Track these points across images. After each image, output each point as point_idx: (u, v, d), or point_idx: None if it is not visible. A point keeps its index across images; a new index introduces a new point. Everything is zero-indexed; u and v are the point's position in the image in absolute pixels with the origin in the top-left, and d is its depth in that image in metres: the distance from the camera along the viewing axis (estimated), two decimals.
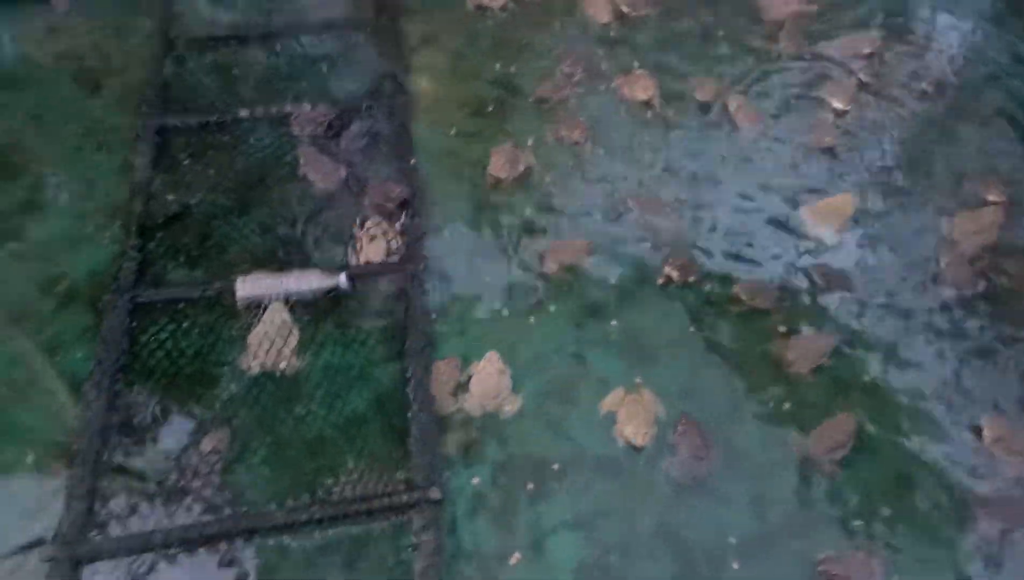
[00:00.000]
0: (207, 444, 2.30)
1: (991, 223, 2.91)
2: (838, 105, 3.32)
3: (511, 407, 2.48)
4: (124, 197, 2.90)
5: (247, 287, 2.61)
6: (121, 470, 2.27)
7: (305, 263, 2.73)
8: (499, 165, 3.05)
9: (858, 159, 3.17)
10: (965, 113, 3.33)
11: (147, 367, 2.49)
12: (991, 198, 3.01)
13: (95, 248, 2.76)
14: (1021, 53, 3.54)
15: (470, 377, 2.51)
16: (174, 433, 2.35)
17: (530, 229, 2.91)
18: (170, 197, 2.92)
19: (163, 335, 2.56)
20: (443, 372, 2.50)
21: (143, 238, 2.78)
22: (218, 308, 2.63)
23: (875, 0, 3.79)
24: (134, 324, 2.57)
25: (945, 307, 2.75)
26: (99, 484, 2.24)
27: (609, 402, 2.49)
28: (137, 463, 2.29)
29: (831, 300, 2.76)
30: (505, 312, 2.69)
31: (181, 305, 2.63)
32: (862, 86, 3.39)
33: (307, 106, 3.18)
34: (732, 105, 3.29)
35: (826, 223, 2.94)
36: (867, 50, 3.52)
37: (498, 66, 3.44)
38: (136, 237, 2.77)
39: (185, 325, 2.59)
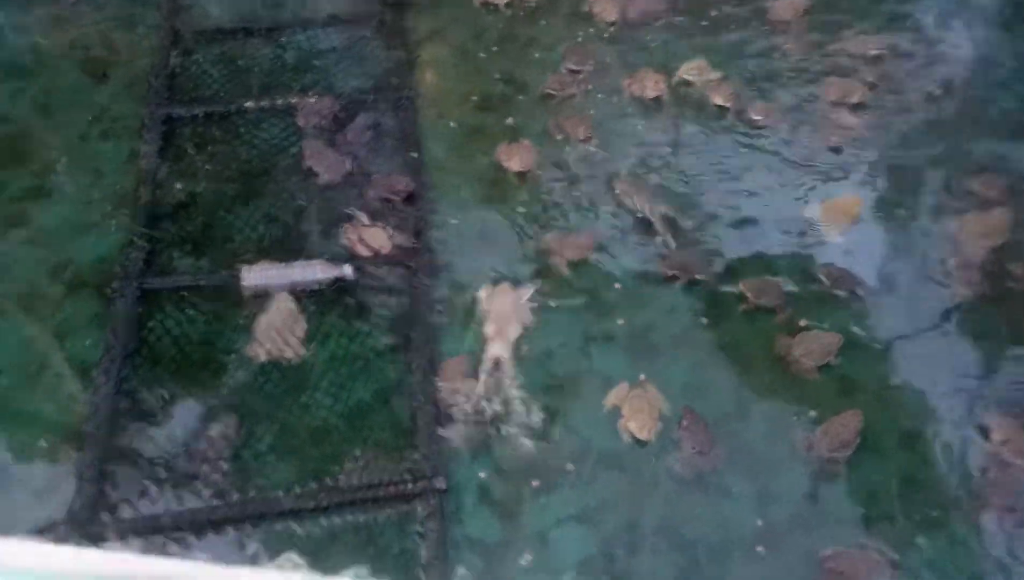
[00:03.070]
0: (215, 430, 2.30)
1: (999, 225, 2.90)
2: (845, 105, 3.32)
3: (516, 334, 2.52)
4: (131, 185, 2.90)
5: (253, 276, 2.61)
6: (131, 454, 2.28)
7: (311, 254, 2.73)
8: (505, 159, 3.05)
9: (865, 159, 3.17)
10: (973, 116, 3.34)
11: (155, 354, 2.49)
12: (999, 201, 3.01)
13: (102, 235, 2.77)
14: None
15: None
16: (182, 419, 2.35)
17: (535, 224, 2.91)
18: (177, 186, 2.92)
19: (170, 322, 2.57)
20: (451, 368, 2.49)
21: (150, 226, 2.78)
22: (224, 297, 2.63)
23: (883, 3, 3.80)
24: (141, 311, 2.57)
25: (953, 308, 2.74)
26: (109, 468, 2.24)
27: (614, 397, 2.48)
28: (147, 448, 2.29)
29: (838, 299, 2.75)
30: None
31: (187, 293, 2.63)
32: (870, 87, 3.39)
33: (312, 98, 3.18)
34: (740, 103, 3.29)
35: (833, 222, 2.94)
36: (874, 52, 3.53)
37: (504, 62, 3.45)
38: (143, 225, 2.77)
39: (192, 313, 2.59)
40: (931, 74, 3.49)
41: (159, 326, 2.56)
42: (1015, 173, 3.13)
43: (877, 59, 3.52)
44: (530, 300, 2.65)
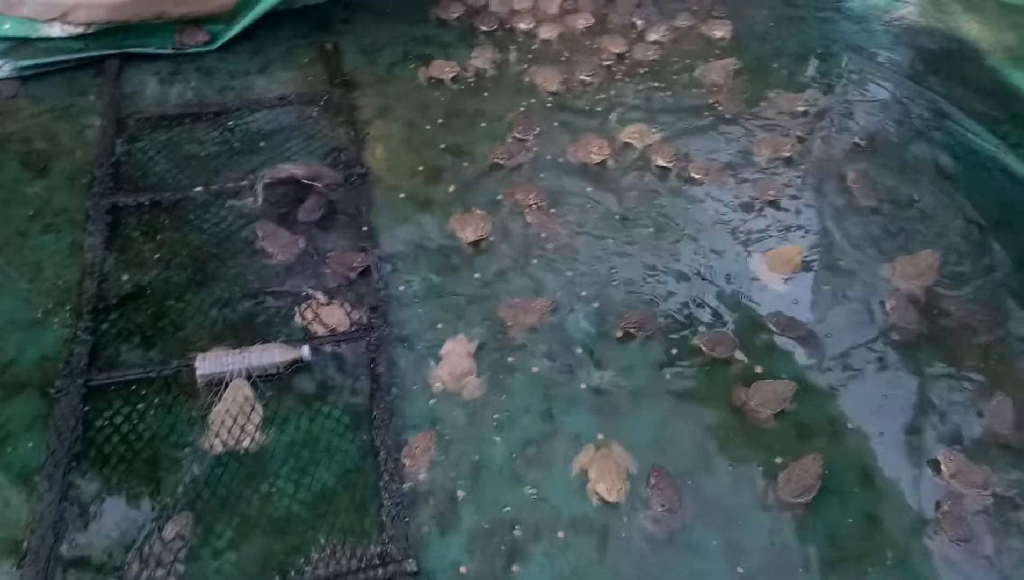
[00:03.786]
0: (169, 530, 2.20)
1: (929, 266, 3.05)
2: (779, 159, 3.49)
3: (475, 392, 2.62)
4: (75, 279, 2.84)
5: (207, 364, 2.55)
6: (78, 564, 2.15)
7: (267, 336, 2.70)
8: (458, 229, 3.10)
9: (801, 209, 3.32)
10: (896, 164, 3.54)
11: (102, 454, 2.39)
12: (927, 241, 3.18)
13: (45, 333, 2.68)
14: (942, 108, 3.79)
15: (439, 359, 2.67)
16: (134, 521, 2.24)
17: (491, 291, 2.94)
18: (123, 277, 2.86)
19: (118, 419, 2.47)
20: (417, 445, 2.47)
21: (95, 320, 2.71)
22: (176, 388, 2.56)
23: (804, 63, 4.04)
24: (87, 409, 2.48)
25: (895, 348, 2.85)
26: None
27: (581, 460, 2.49)
28: (95, 555, 2.17)
29: (788, 346, 2.84)
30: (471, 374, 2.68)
31: (137, 387, 2.55)
32: (800, 141, 3.58)
33: (262, 180, 3.19)
34: (681, 163, 3.43)
35: (777, 272, 3.05)
36: (801, 108, 3.74)
37: (452, 135, 3.53)
38: (88, 319, 2.70)
39: (142, 407, 2.50)
40: (854, 126, 3.70)
41: (107, 424, 2.46)
42: (940, 214, 3.32)
43: (804, 114, 3.73)
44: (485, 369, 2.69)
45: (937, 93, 3.87)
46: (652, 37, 4.12)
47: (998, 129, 3.66)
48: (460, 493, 2.39)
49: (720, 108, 3.73)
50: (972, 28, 4.16)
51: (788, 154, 3.51)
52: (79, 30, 3.59)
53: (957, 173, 3.51)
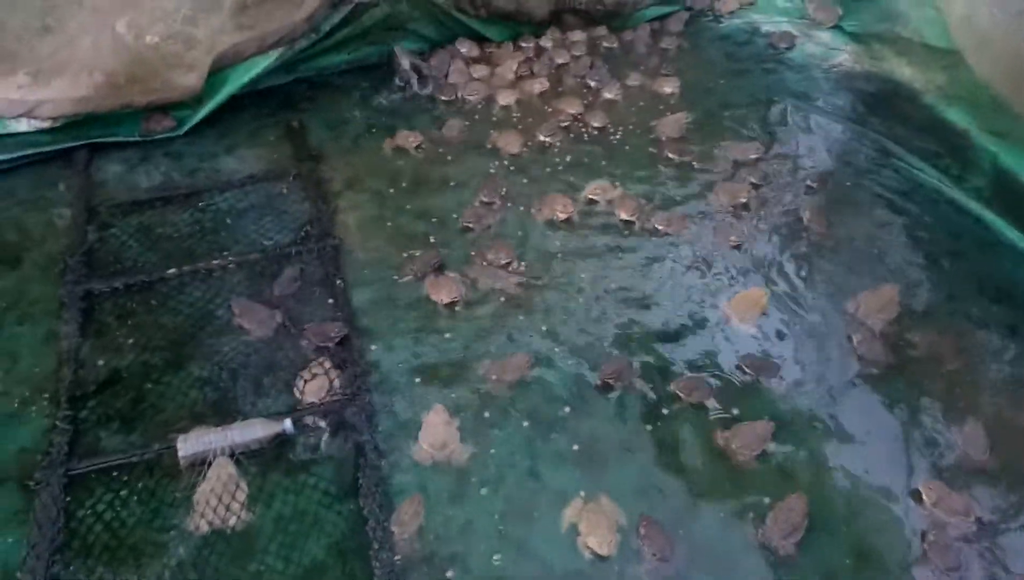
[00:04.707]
0: None
1: (890, 299, 3.17)
2: (736, 205, 3.63)
3: (460, 456, 2.62)
4: (51, 368, 2.82)
5: (189, 445, 2.54)
6: None
7: (248, 413, 2.70)
8: (433, 293, 3.15)
9: (763, 252, 3.44)
10: (848, 203, 3.70)
11: (86, 543, 2.35)
12: (885, 275, 3.31)
13: (22, 424, 2.65)
14: (886, 147, 4.00)
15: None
16: None
17: (470, 351, 2.98)
18: (100, 362, 2.86)
19: (101, 507, 2.44)
20: (406, 511, 2.46)
21: (74, 408, 2.69)
22: (158, 471, 2.54)
23: (753, 111, 4.24)
24: (69, 499, 2.45)
25: (865, 381, 2.94)
26: None
27: (569, 514, 2.50)
28: None
29: (762, 388, 2.91)
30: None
31: (119, 473, 2.52)
32: (754, 187, 3.73)
33: (235, 258, 3.24)
34: (644, 216, 3.55)
35: (745, 315, 3.14)
36: (754, 156, 3.91)
37: (421, 201, 3.62)
38: (66, 407, 2.68)
39: (124, 493, 2.47)
40: (804, 169, 3.88)
41: (89, 513, 2.42)
42: (894, 248, 3.46)
43: (756, 161, 3.89)
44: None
45: (880, 133, 4.08)
46: (606, 96, 4.30)
47: (939, 163, 3.86)
48: (452, 557, 2.38)
49: (676, 160, 3.89)
50: (905, 71, 4.42)
51: (745, 200, 3.65)
52: (46, 124, 3.64)
53: (906, 208, 3.68)
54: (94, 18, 3.55)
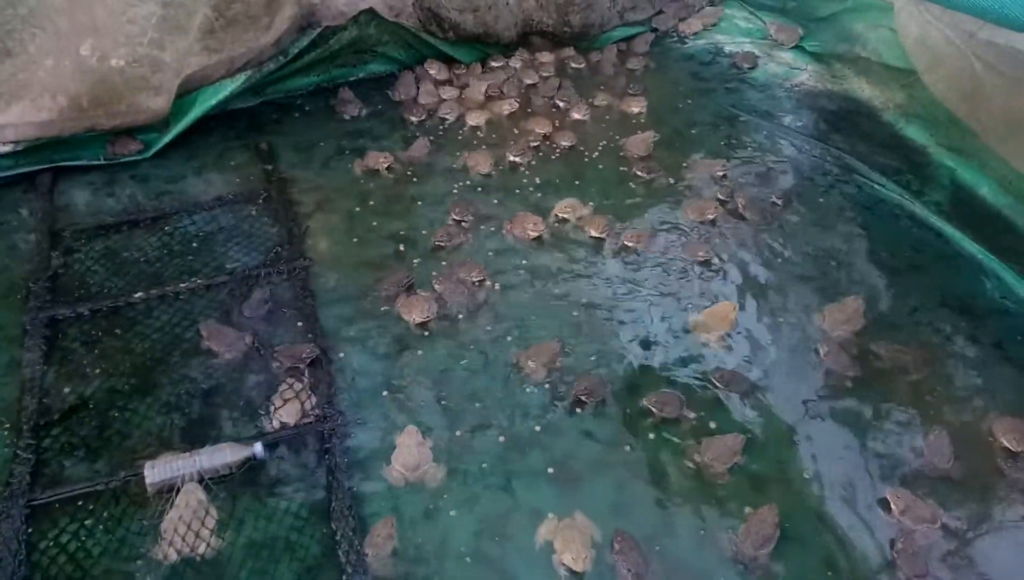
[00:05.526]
0: None
1: (855, 312, 3.23)
2: (705, 221, 3.69)
3: (433, 476, 2.61)
4: (13, 396, 2.76)
5: (156, 471, 2.49)
6: None
7: (217, 437, 2.66)
8: (405, 313, 3.15)
9: (731, 267, 3.49)
10: (812, 218, 3.77)
11: (48, 576, 2.29)
12: (850, 288, 3.37)
13: None
14: (848, 163, 4.09)
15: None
16: None
17: (443, 370, 2.98)
18: (65, 390, 2.80)
19: (65, 538, 2.38)
20: (379, 533, 2.44)
21: (37, 437, 2.63)
22: (125, 499, 2.49)
23: (718, 131, 4.32)
24: (30, 531, 2.39)
25: (832, 393, 2.98)
26: None
27: (544, 532, 2.50)
28: None
29: (732, 400, 2.94)
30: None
31: (83, 502, 2.47)
32: (722, 203, 3.79)
33: (203, 282, 3.20)
34: (613, 233, 3.59)
35: (715, 329, 3.18)
36: (720, 172, 3.98)
37: (392, 222, 3.62)
38: (28, 436, 2.62)
39: (89, 523, 2.42)
40: (769, 185, 3.95)
41: (52, 544, 2.37)
42: (859, 259, 3.53)
43: (723, 178, 3.96)
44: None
45: (842, 149, 4.18)
46: (574, 116, 4.35)
47: (900, 179, 3.96)
48: (426, 578, 2.36)
49: (645, 177, 3.94)
50: (865, 89, 4.54)
51: (712, 216, 3.71)
52: (8, 148, 3.58)
53: (869, 222, 3.76)
54: (56, 41, 3.50)
